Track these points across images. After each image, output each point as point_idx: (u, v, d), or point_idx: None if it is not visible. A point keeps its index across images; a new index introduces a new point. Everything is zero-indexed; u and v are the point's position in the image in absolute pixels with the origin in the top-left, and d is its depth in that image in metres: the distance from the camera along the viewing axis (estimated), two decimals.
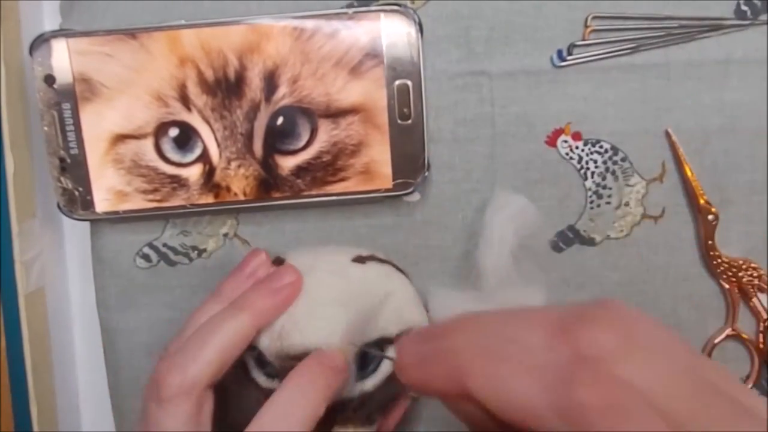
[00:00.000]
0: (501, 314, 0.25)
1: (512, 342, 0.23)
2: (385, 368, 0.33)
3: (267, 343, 0.32)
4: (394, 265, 0.36)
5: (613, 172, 0.37)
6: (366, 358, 0.33)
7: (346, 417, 0.32)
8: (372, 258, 0.35)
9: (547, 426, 0.21)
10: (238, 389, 0.34)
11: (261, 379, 0.33)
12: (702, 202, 0.37)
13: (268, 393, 0.32)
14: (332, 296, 0.33)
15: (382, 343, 0.33)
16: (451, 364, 0.23)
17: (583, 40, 0.36)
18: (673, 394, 0.20)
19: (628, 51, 0.36)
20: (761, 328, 0.38)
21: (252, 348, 0.32)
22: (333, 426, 0.32)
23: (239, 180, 0.36)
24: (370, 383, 0.33)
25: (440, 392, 0.24)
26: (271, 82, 0.35)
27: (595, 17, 0.36)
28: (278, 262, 0.35)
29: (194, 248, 0.38)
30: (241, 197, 0.36)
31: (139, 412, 0.31)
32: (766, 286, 0.38)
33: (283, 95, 0.35)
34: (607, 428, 0.20)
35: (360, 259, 0.35)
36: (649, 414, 0.20)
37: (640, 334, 0.22)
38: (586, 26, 0.36)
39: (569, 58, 0.36)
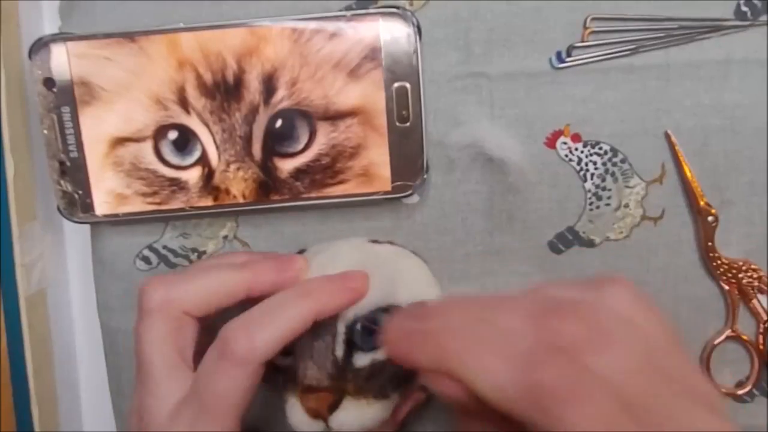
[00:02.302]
0: (485, 299, 0.28)
1: (491, 325, 0.25)
2: None
3: None
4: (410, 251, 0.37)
5: (613, 174, 0.37)
6: (376, 324, 0.33)
7: (358, 386, 0.32)
8: (389, 242, 0.37)
9: (516, 407, 0.23)
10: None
11: (276, 358, 0.33)
12: (702, 203, 0.37)
13: (283, 371, 0.33)
14: (346, 262, 0.34)
15: (392, 310, 0.33)
16: (433, 342, 0.25)
17: (583, 41, 0.36)
18: (631, 382, 0.23)
19: (628, 52, 0.36)
20: (761, 330, 0.38)
21: None
22: (344, 395, 0.32)
23: (238, 182, 0.36)
24: (381, 354, 0.33)
25: (422, 368, 0.26)
26: (269, 85, 0.35)
27: (594, 19, 0.36)
28: (299, 252, 0.36)
29: (194, 250, 0.39)
30: (241, 200, 0.36)
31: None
32: (766, 288, 0.38)
33: (282, 98, 0.35)
34: (567, 408, 0.22)
35: (376, 242, 0.37)
36: (605, 397, 0.22)
37: (609, 327, 0.24)
38: (585, 28, 0.36)
39: (568, 59, 0.36)
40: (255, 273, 0.32)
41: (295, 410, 0.32)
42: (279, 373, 0.33)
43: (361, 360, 0.33)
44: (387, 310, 0.33)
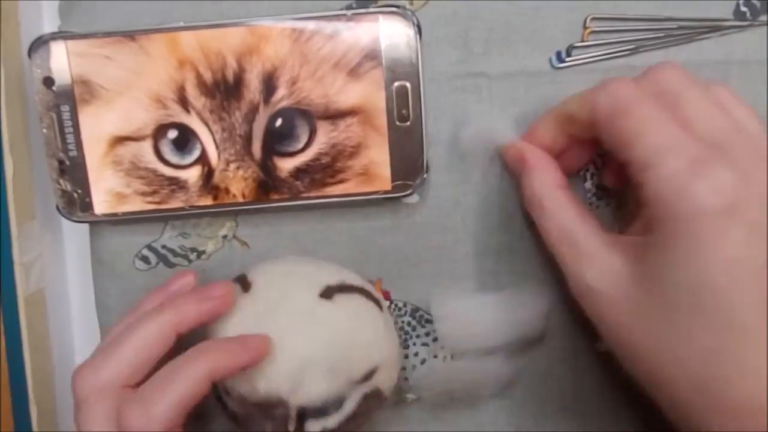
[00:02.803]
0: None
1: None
2: (348, 407, 0.33)
3: (231, 386, 0.32)
4: (364, 292, 0.35)
5: None
6: (326, 406, 0.32)
7: None
8: (341, 288, 0.34)
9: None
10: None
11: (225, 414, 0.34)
12: None
13: (233, 418, 0.33)
14: (299, 345, 0.32)
15: (347, 386, 0.33)
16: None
17: (582, 41, 0.36)
18: (704, 116, 0.28)
19: (628, 52, 0.36)
20: None
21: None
22: None
23: (238, 182, 0.36)
24: (334, 420, 0.33)
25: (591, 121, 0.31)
26: (269, 84, 0.35)
27: (594, 19, 0.36)
28: (243, 283, 0.34)
29: (193, 250, 0.39)
30: (240, 199, 0.36)
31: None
32: None
33: (282, 97, 0.35)
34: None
35: (328, 293, 0.33)
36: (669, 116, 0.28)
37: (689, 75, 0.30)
38: (585, 27, 0.36)
39: (568, 59, 0.36)
40: (175, 311, 0.31)
41: None
42: (231, 418, 0.34)
43: (313, 427, 0.32)
44: (340, 392, 0.33)
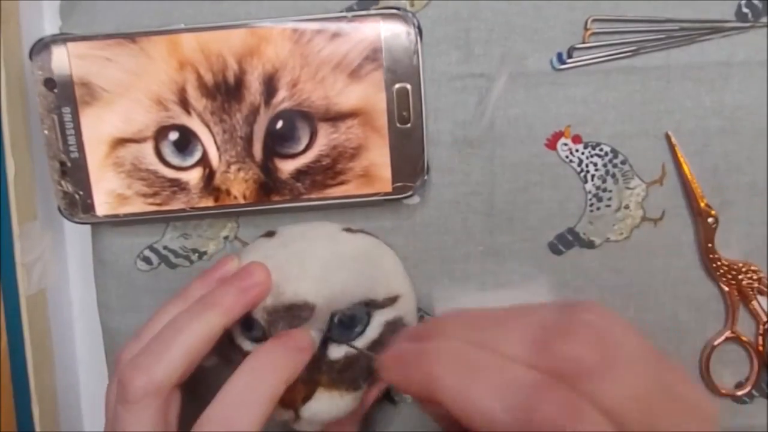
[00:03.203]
0: (485, 318, 0.26)
1: (489, 351, 0.24)
2: (371, 332, 0.34)
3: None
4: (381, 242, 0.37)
5: (613, 175, 0.37)
6: (353, 318, 0.33)
7: (331, 378, 0.33)
8: (361, 231, 0.37)
9: None
10: (221, 359, 0.34)
11: (246, 344, 0.34)
12: (702, 204, 0.37)
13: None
14: (324, 256, 0.34)
15: (370, 305, 0.34)
16: (425, 370, 0.24)
17: (583, 42, 0.36)
18: (635, 407, 0.22)
19: (629, 54, 0.36)
20: (761, 331, 0.38)
21: None
22: (317, 387, 0.33)
23: (239, 183, 0.36)
24: (356, 344, 0.33)
25: (414, 394, 0.25)
26: (270, 86, 0.35)
27: (595, 20, 0.36)
28: (269, 234, 0.36)
29: (195, 251, 0.39)
30: (241, 200, 0.36)
31: (106, 414, 0.31)
32: (765, 289, 0.38)
33: (283, 99, 0.35)
34: None
35: (350, 230, 0.36)
36: (609, 429, 0.21)
37: (613, 350, 0.23)
38: (586, 29, 0.36)
39: (569, 61, 0.36)
40: (221, 309, 0.31)
41: None
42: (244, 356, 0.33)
43: (336, 352, 0.33)
44: (367, 304, 0.34)
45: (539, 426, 0.21)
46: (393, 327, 0.34)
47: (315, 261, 0.33)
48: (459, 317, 0.26)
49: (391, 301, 0.35)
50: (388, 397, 0.40)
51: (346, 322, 0.33)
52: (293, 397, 0.32)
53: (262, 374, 0.30)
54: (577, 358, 0.22)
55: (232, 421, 0.29)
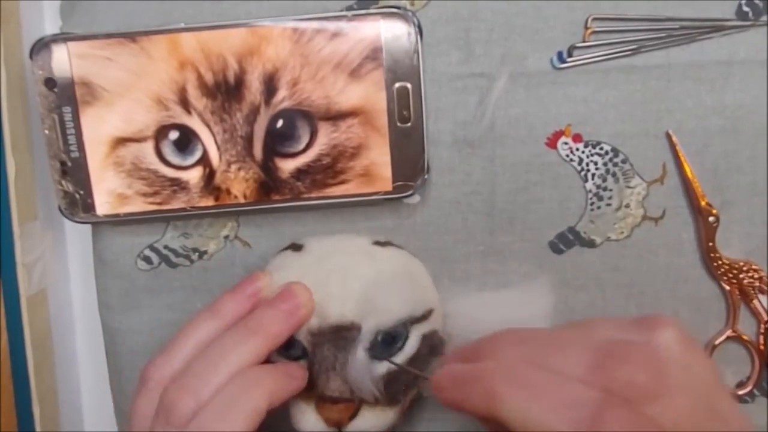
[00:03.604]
0: (536, 335, 0.27)
1: (544, 368, 0.24)
2: (410, 347, 0.34)
3: None
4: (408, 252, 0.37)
5: (614, 174, 0.37)
6: (395, 335, 0.33)
7: (375, 396, 0.33)
8: (389, 243, 0.37)
9: None
10: None
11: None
12: (703, 203, 0.37)
13: None
14: (367, 274, 0.34)
15: (408, 322, 0.34)
16: (484, 388, 0.24)
17: (584, 41, 0.36)
18: (687, 427, 0.23)
19: (629, 53, 0.36)
20: (762, 330, 0.38)
21: None
22: (362, 404, 0.33)
23: (239, 183, 0.36)
24: (397, 360, 0.33)
25: (473, 413, 0.25)
26: (270, 85, 0.35)
27: (595, 19, 0.36)
28: (296, 248, 0.36)
29: (195, 250, 0.39)
30: (242, 200, 0.36)
31: (136, 426, 0.31)
32: (766, 288, 0.38)
33: (283, 98, 0.35)
34: None
35: (380, 243, 0.36)
36: None
37: (667, 372, 0.24)
38: (586, 28, 0.36)
39: (569, 60, 0.36)
40: (267, 335, 0.31)
41: (309, 417, 0.33)
42: None
43: (379, 369, 0.33)
44: (405, 322, 0.34)
45: None
46: (429, 340, 0.35)
47: (357, 280, 0.33)
48: (512, 335, 0.26)
49: (427, 315, 0.35)
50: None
51: (388, 341, 0.33)
52: (340, 416, 0.33)
53: (252, 332, 0.31)
54: (632, 382, 0.23)
55: (201, 380, 0.29)
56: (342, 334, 0.32)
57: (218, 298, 0.33)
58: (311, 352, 0.33)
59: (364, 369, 0.33)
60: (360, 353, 0.33)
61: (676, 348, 0.25)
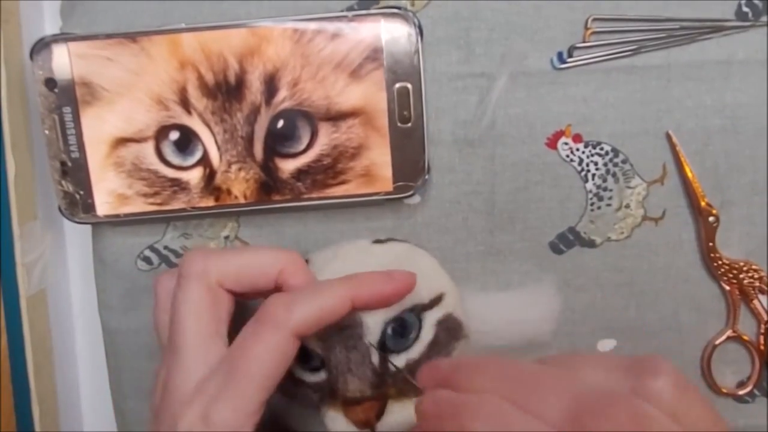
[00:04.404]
0: (523, 374, 0.26)
1: (524, 412, 0.24)
2: (426, 335, 0.34)
3: None
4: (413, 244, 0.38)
5: (614, 174, 0.37)
6: (405, 326, 0.34)
7: (399, 389, 0.33)
8: (390, 239, 0.37)
9: None
10: (285, 396, 0.35)
11: (306, 376, 0.34)
12: (703, 203, 0.37)
13: (316, 387, 0.34)
14: (358, 270, 0.34)
15: (417, 309, 0.34)
16: (461, 423, 0.25)
17: (584, 42, 0.36)
18: None
19: (629, 53, 0.36)
20: (762, 330, 0.38)
21: None
22: (387, 400, 0.33)
23: (240, 183, 0.36)
24: (416, 350, 0.34)
25: None
26: (271, 85, 0.35)
27: (595, 19, 0.36)
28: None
29: None
30: (242, 200, 0.36)
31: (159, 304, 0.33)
32: (766, 288, 0.38)
33: (284, 98, 0.35)
34: None
35: (379, 241, 0.37)
36: None
37: (688, 388, 0.24)
38: (586, 28, 0.36)
39: (569, 60, 0.36)
40: (288, 258, 0.32)
41: (339, 423, 0.33)
42: (309, 389, 0.34)
43: (397, 362, 0.33)
44: (414, 309, 0.34)
45: None
46: (445, 324, 0.35)
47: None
48: (497, 367, 0.26)
49: (437, 300, 0.35)
50: None
51: (399, 331, 0.33)
52: (368, 416, 0.33)
53: (351, 278, 0.32)
54: (663, 390, 0.23)
55: (298, 298, 0.30)
56: (348, 333, 0.32)
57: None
58: (326, 358, 0.33)
59: (376, 364, 0.33)
60: (369, 349, 0.33)
61: (668, 398, 0.24)
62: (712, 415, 0.25)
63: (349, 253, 0.36)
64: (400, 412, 0.33)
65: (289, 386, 0.34)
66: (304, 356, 0.33)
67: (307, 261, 0.35)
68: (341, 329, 0.32)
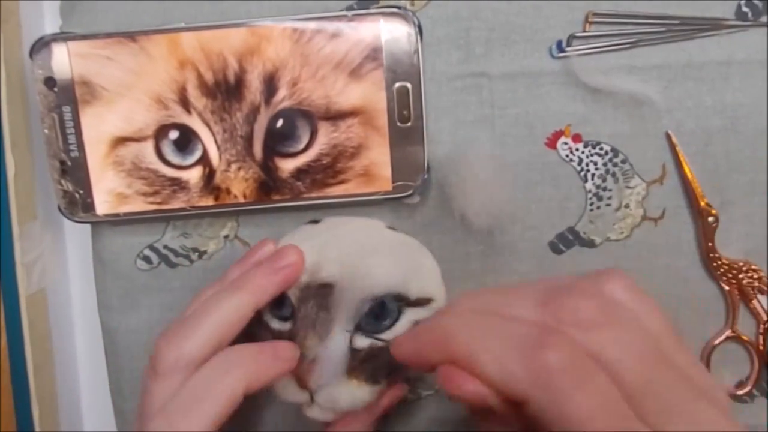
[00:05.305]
0: (493, 290, 0.28)
1: (499, 314, 0.25)
2: (399, 328, 0.33)
3: None
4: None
5: (614, 174, 0.37)
6: (383, 310, 0.33)
7: (352, 367, 0.33)
8: (402, 233, 0.37)
9: (524, 391, 0.23)
10: (248, 338, 0.34)
11: (273, 323, 0.34)
12: (702, 203, 0.37)
13: (278, 335, 0.33)
14: (362, 241, 0.34)
15: (402, 300, 0.33)
16: (437, 333, 0.26)
17: (584, 31, 0.36)
18: (633, 368, 0.23)
19: (628, 45, 0.36)
20: (761, 330, 0.38)
21: None
22: None
23: (239, 182, 0.36)
24: (383, 338, 0.33)
25: (430, 361, 0.26)
26: (270, 85, 0.35)
27: (595, 14, 0.36)
28: (313, 222, 0.36)
29: (195, 250, 0.39)
30: (241, 199, 0.36)
31: (141, 384, 0.31)
32: (766, 288, 0.38)
33: (283, 98, 0.35)
34: (571, 391, 0.22)
35: (393, 229, 0.37)
36: (607, 383, 0.22)
37: (617, 308, 0.25)
38: (586, 21, 0.36)
39: (568, 49, 0.36)
40: (252, 288, 0.32)
41: (285, 380, 0.33)
42: (271, 335, 0.33)
43: (361, 342, 0.33)
44: (399, 299, 0.33)
45: (545, 367, 0.22)
46: None
47: (355, 246, 0.34)
48: (468, 293, 0.27)
49: (424, 302, 0.34)
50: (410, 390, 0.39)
51: (376, 311, 0.33)
52: (310, 375, 0.32)
53: (240, 286, 0.32)
54: (575, 308, 0.24)
55: (187, 331, 0.30)
56: (326, 292, 0.32)
57: (227, 269, 0.35)
58: (296, 308, 0.33)
59: (340, 334, 0.32)
60: (340, 316, 0.32)
61: (625, 295, 0.25)
62: (667, 322, 0.25)
63: (360, 225, 0.36)
64: (344, 389, 0.33)
65: (255, 328, 0.33)
66: (279, 303, 0.33)
67: (318, 221, 0.36)
68: (321, 287, 0.32)
